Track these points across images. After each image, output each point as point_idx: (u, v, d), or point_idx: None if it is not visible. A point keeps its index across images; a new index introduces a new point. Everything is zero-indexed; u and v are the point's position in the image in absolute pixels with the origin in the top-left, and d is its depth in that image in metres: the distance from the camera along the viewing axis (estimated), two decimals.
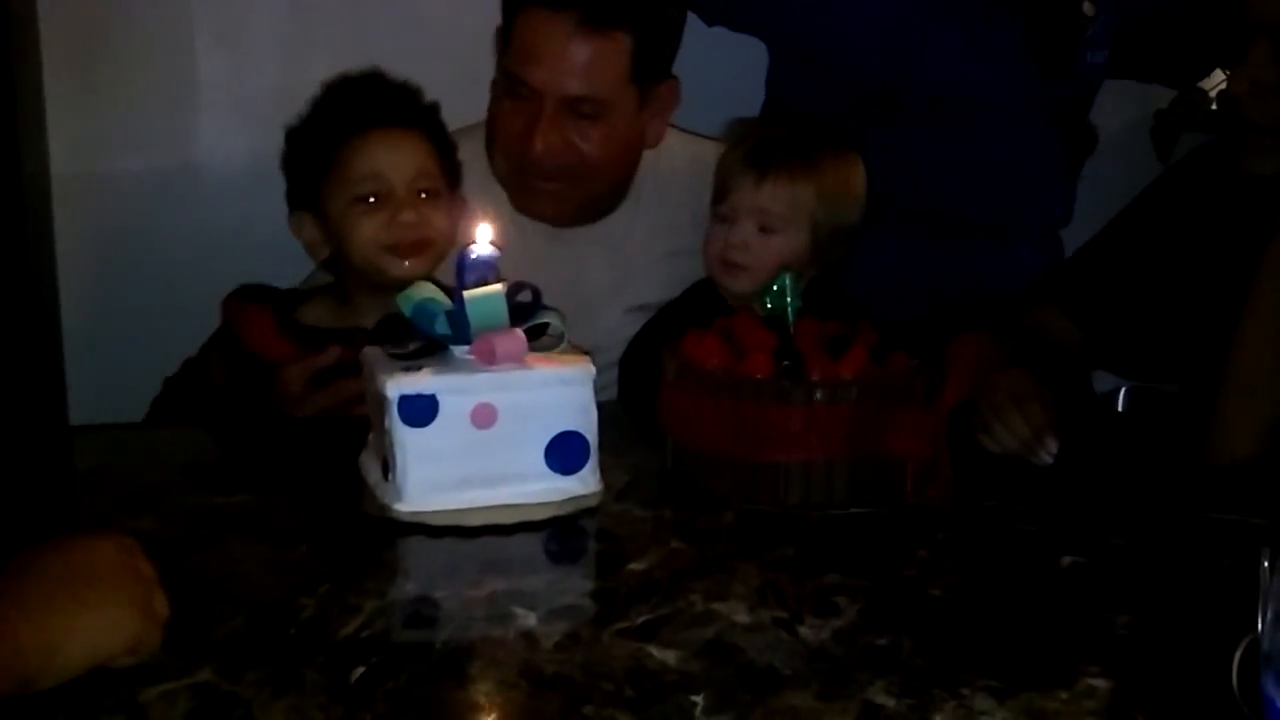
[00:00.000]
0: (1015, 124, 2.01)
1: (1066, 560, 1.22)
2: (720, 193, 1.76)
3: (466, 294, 1.30)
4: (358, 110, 1.67)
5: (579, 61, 1.76)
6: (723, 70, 2.17)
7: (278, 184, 1.76)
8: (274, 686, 0.96)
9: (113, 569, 0.95)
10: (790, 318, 1.42)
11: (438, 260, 1.68)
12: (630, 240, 1.95)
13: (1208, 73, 2.38)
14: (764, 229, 1.71)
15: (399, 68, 1.77)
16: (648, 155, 1.93)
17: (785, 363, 1.35)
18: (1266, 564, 0.82)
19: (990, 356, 1.50)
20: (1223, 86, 2.16)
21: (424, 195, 1.67)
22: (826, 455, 1.33)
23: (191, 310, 1.80)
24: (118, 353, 2.24)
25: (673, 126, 1.97)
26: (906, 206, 1.98)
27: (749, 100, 2.17)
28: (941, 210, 2.02)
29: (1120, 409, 2.30)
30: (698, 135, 2.00)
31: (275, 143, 1.75)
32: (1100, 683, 0.98)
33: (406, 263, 1.65)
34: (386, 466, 1.31)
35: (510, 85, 1.81)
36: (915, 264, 2.03)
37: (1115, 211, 1.87)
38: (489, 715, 0.92)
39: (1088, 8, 2.04)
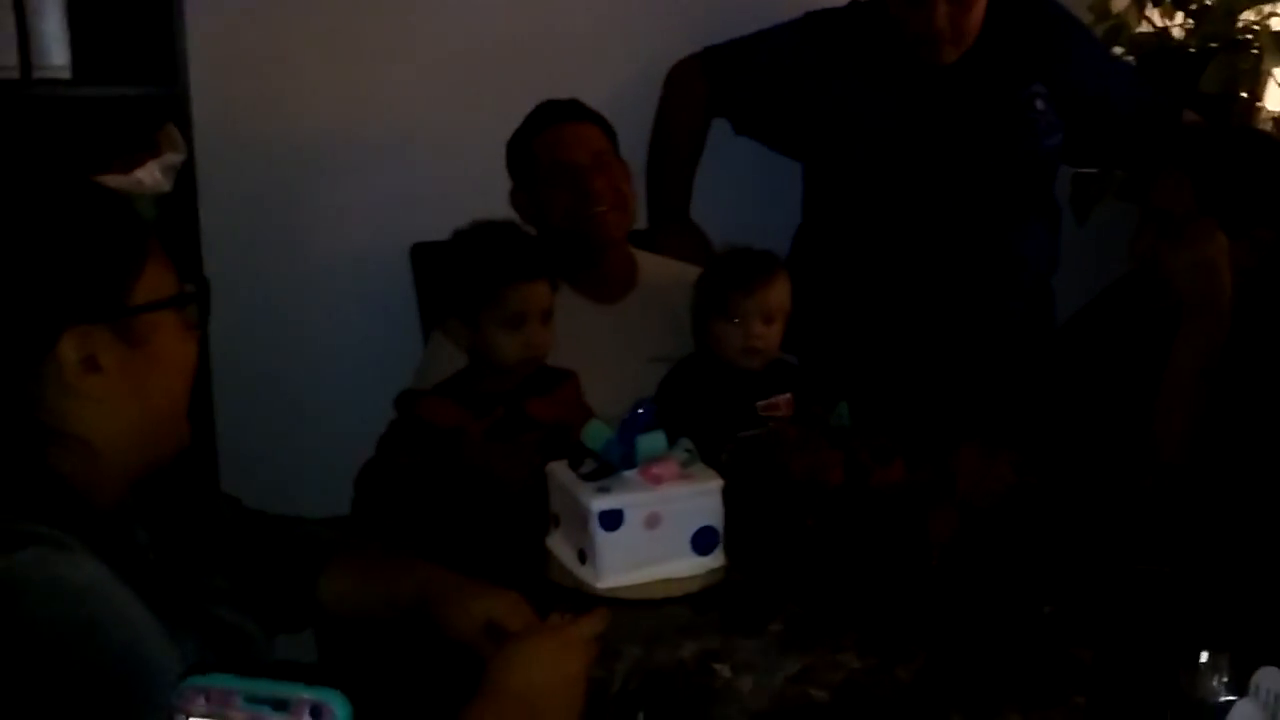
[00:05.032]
0: (1003, 211, 2.80)
1: (1045, 609, 1.85)
2: (723, 305, 2.43)
3: (640, 437, 1.89)
4: (505, 267, 2.24)
5: None
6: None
7: None
8: None
9: (578, 686, 1.45)
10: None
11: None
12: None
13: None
14: (768, 320, 2.41)
15: None
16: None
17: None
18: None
19: (984, 461, 2.12)
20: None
21: (545, 313, 2.28)
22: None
23: None
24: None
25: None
26: (920, 284, 2.77)
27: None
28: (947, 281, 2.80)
29: None
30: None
31: None
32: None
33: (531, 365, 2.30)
34: (583, 555, 1.89)
35: None
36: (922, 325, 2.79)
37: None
38: None
39: (1039, 103, 2.78)
